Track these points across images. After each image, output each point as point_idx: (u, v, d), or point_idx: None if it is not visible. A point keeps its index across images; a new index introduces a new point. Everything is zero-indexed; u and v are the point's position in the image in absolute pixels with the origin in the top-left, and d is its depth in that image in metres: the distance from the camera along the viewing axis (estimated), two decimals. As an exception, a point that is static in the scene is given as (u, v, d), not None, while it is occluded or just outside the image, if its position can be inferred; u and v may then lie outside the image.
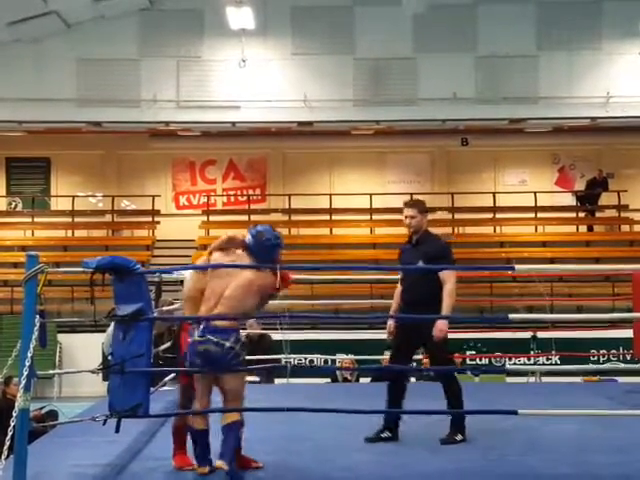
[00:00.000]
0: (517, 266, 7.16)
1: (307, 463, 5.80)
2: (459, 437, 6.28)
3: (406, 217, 6.50)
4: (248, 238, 5.65)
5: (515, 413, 5.63)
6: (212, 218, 21.44)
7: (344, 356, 13.85)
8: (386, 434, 6.40)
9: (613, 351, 15.16)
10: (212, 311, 5.37)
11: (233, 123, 20.00)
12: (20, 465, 4.67)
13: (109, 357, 5.25)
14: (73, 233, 21.64)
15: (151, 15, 19.74)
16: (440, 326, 6.24)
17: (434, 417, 6.59)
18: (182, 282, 9.63)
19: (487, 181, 22.55)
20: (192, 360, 5.37)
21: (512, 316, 6.25)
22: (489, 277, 18.41)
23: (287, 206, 21.57)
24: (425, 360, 12.38)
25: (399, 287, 6.60)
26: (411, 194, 21.50)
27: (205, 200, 21.97)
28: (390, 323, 6.60)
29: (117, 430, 5.19)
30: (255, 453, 5.92)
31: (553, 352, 12.62)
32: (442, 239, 6.69)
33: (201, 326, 5.31)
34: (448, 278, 6.31)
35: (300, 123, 20.18)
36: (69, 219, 21.63)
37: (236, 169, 22.77)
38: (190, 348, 5.38)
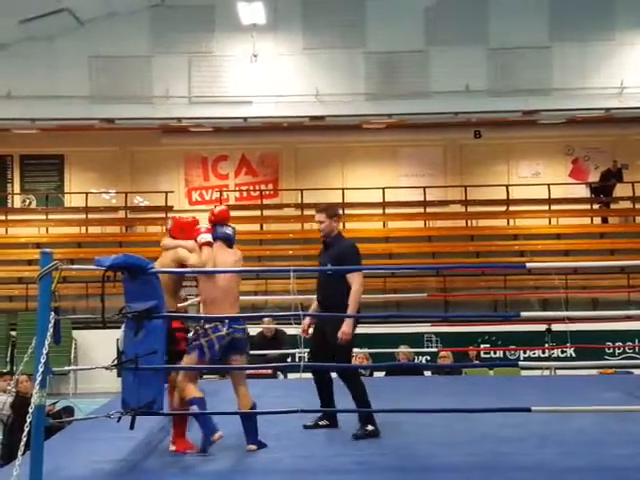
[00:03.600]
0: (528, 264, 7.16)
1: (321, 456, 5.82)
2: (370, 427, 6.39)
3: (316, 222, 6.83)
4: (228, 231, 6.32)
5: (528, 410, 5.62)
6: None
7: (357, 350, 13.83)
8: (324, 422, 6.74)
9: (629, 343, 15.11)
10: (227, 305, 6.00)
11: (245, 118, 19.98)
12: (37, 461, 4.70)
13: (122, 354, 5.28)
14: (87, 230, 21.71)
15: (162, 11, 19.73)
16: (344, 328, 6.34)
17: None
18: (196, 278, 9.66)
19: (500, 173, 22.45)
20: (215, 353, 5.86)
21: (524, 314, 6.27)
22: (503, 270, 18.37)
23: (299, 201, 21.56)
24: (442, 353, 12.42)
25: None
26: (424, 187, 21.55)
27: (218, 195, 22.00)
28: (305, 322, 6.80)
29: (132, 427, 5.22)
30: (271, 448, 5.94)
31: (568, 345, 12.58)
32: (350, 241, 6.87)
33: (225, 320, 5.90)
34: (353, 279, 6.43)
35: (312, 118, 20.14)
36: (83, 216, 21.70)
37: (248, 164, 22.78)
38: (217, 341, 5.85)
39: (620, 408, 6.89)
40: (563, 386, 9.30)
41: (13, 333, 17.35)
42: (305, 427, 6.70)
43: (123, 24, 19.45)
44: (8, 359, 17.14)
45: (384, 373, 11.80)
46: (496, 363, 15.69)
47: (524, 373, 12.05)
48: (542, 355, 14.98)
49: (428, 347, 15.46)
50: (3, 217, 21.85)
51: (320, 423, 6.75)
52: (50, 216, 21.83)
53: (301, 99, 19.26)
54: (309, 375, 6.87)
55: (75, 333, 17.00)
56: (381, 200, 21.28)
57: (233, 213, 24.46)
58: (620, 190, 21.69)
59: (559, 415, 6.74)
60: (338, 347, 6.39)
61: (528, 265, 7.31)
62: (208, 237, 6.19)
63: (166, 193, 21.48)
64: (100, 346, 14.41)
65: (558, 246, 20.25)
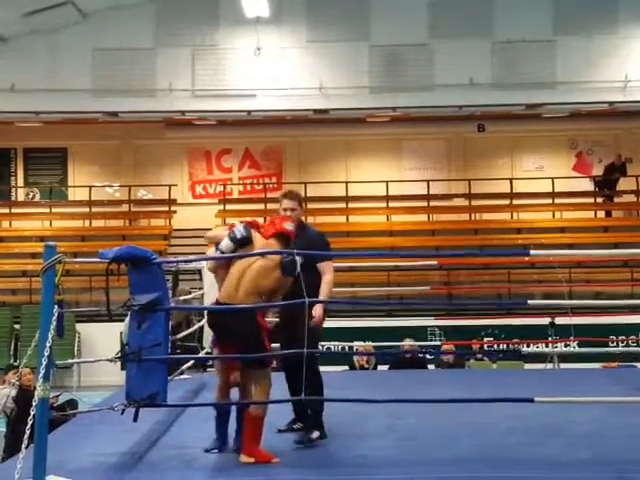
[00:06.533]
0: (532, 251, 7.08)
1: (324, 449, 5.82)
2: (315, 435, 5.94)
3: (286, 209, 6.25)
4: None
5: (531, 401, 5.62)
6: (228, 207, 21.47)
7: (361, 343, 13.87)
8: (298, 425, 6.29)
9: (632, 337, 15.09)
10: None
11: (249, 112, 19.98)
12: (40, 454, 4.70)
13: (127, 346, 5.28)
14: (90, 223, 21.74)
15: (166, 4, 19.71)
16: (318, 312, 5.85)
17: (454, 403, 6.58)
18: (200, 271, 9.68)
19: (504, 167, 22.44)
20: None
21: (531, 302, 6.21)
22: (507, 263, 18.35)
23: (303, 194, 21.37)
24: (445, 347, 12.44)
25: None
26: (428, 181, 21.53)
27: (221, 189, 22.01)
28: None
29: (135, 419, 5.22)
30: (274, 441, 5.94)
31: (572, 338, 12.57)
32: (317, 230, 6.55)
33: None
34: (326, 268, 6.10)
35: (316, 111, 20.13)
36: (86, 209, 21.73)
37: (252, 158, 22.77)
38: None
39: (624, 400, 6.88)
40: (566, 379, 9.30)
41: (17, 326, 17.41)
42: (279, 431, 6.24)
43: (126, 17, 19.43)
44: (12, 352, 17.19)
45: (388, 366, 11.82)
46: (501, 356, 15.67)
47: (527, 366, 12.06)
48: (545, 348, 14.96)
49: (432, 340, 15.48)
50: (7, 210, 21.90)
51: (294, 427, 6.28)
52: (54, 209, 21.88)
53: (305, 92, 19.24)
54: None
55: (79, 326, 17.05)
56: (385, 193, 21.27)
57: (236, 206, 24.41)
58: (624, 184, 21.67)
59: (562, 408, 6.74)
60: (308, 337, 5.78)
61: (532, 252, 7.14)
62: None
63: (169, 186, 21.50)
64: (104, 339, 14.43)
65: (562, 240, 20.23)
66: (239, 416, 5.75)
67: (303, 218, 6.44)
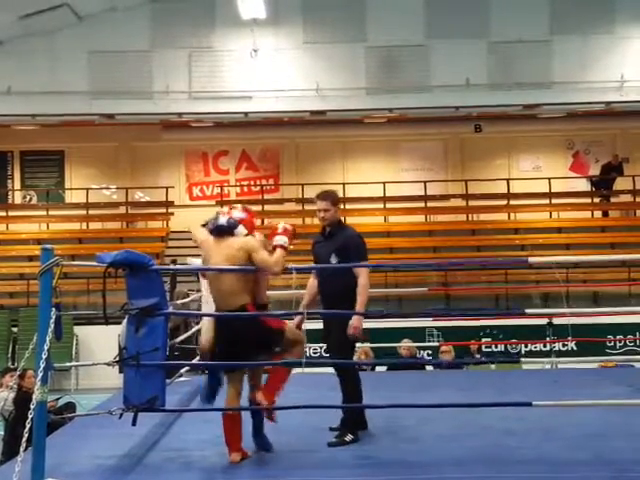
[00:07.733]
0: (531, 259, 7.08)
1: (323, 451, 5.82)
2: (349, 437, 6.02)
3: (319, 210, 6.37)
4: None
5: (529, 405, 5.62)
6: (226, 209, 21.43)
7: (359, 344, 13.81)
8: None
9: (630, 337, 15.09)
10: None
11: (245, 113, 19.97)
12: (39, 457, 4.70)
13: (124, 350, 5.28)
14: (88, 225, 21.71)
15: (162, 6, 19.69)
16: (355, 323, 5.99)
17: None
18: (197, 274, 9.66)
19: (501, 168, 22.45)
20: None
21: (529, 311, 6.22)
22: (504, 264, 18.36)
23: (300, 196, 21.54)
24: (443, 348, 12.42)
25: (312, 280, 6.44)
26: (425, 182, 21.53)
27: (219, 191, 22.00)
28: (296, 319, 6.28)
29: (134, 423, 5.22)
30: (275, 443, 5.93)
31: (569, 338, 12.58)
32: (354, 231, 6.44)
33: None
34: (360, 272, 6.08)
35: (312, 112, 20.11)
36: (84, 211, 21.70)
37: (249, 159, 22.76)
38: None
39: (622, 402, 6.89)
40: (565, 379, 9.29)
41: (14, 329, 17.38)
42: (332, 429, 6.25)
43: (123, 19, 19.41)
44: (9, 355, 17.16)
45: (386, 368, 11.80)
46: (499, 359, 15.67)
47: (526, 367, 12.05)
48: (543, 348, 14.97)
49: (430, 341, 15.46)
50: (4, 213, 21.86)
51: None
52: (51, 212, 21.83)
53: (301, 94, 19.24)
54: (309, 370, 6.66)
55: (76, 329, 17.01)
56: (382, 194, 21.27)
57: (234, 208, 23.77)
58: (621, 183, 21.68)
59: (562, 409, 6.74)
60: (342, 342, 6.10)
61: (530, 260, 7.16)
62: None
63: (167, 188, 21.47)
64: (102, 342, 14.37)
65: (559, 240, 20.24)
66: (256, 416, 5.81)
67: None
